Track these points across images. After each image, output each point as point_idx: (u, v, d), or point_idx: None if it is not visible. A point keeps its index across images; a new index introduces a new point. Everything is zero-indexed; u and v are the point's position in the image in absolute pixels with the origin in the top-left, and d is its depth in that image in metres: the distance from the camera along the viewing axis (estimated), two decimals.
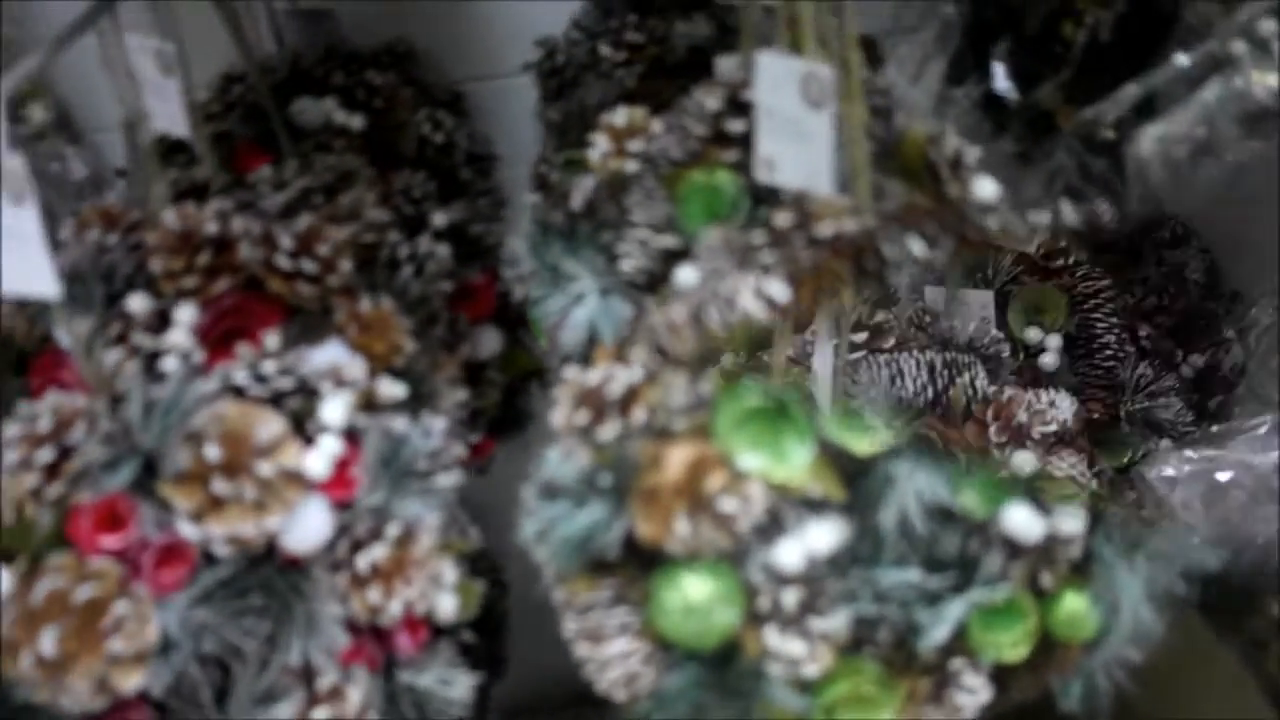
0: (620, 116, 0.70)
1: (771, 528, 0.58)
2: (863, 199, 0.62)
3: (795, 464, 0.57)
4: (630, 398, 0.58)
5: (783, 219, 0.58)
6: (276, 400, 0.67)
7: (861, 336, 0.75)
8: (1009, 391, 0.75)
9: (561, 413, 0.59)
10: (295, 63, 1.02)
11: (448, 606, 0.73)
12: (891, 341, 0.76)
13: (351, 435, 0.69)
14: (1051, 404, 0.74)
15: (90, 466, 0.59)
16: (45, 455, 0.59)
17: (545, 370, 1.03)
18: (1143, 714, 0.64)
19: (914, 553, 0.60)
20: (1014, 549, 0.60)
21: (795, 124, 0.62)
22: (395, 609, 0.69)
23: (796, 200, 0.58)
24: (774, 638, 0.59)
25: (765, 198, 0.63)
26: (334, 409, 0.67)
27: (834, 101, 0.59)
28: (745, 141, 0.62)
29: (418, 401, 0.77)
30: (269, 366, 0.67)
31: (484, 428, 1.04)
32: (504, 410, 1.07)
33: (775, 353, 0.62)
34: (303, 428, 0.67)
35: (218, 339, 0.73)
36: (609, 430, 0.58)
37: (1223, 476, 0.73)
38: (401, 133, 1.02)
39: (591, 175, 0.67)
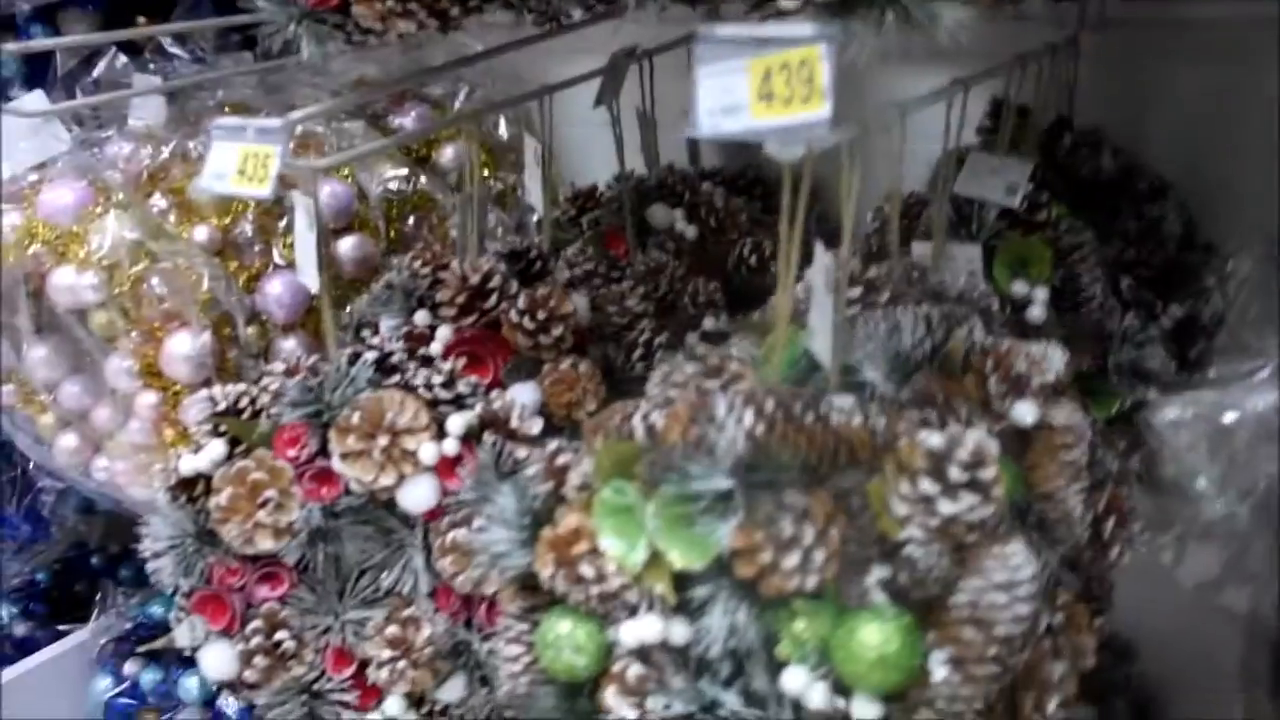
0: None
1: (621, 605, 0.71)
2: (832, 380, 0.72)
3: (636, 559, 0.69)
4: (564, 470, 0.75)
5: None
6: (435, 404, 0.93)
7: (856, 291, 0.77)
8: (1007, 342, 0.75)
9: (531, 469, 0.78)
10: (665, 177, 1.27)
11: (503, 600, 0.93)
12: (885, 296, 0.78)
13: (475, 444, 0.93)
14: (1044, 355, 0.73)
15: (290, 402, 0.91)
16: (274, 385, 0.93)
17: None
18: None
19: (737, 677, 0.69)
20: (805, 710, 0.66)
21: (822, 303, 0.74)
22: (464, 581, 0.92)
23: None
24: (613, 698, 0.72)
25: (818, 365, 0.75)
26: (455, 422, 0.91)
27: (842, 291, 0.70)
28: None
29: None
30: (436, 379, 0.93)
31: None
32: None
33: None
34: (443, 427, 0.93)
35: (459, 357, 1.02)
36: (544, 488, 0.76)
37: (1228, 418, 0.70)
38: (725, 248, 1.23)
39: None
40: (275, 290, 1.19)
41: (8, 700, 1.37)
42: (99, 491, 1.25)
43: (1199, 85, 1.21)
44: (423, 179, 1.33)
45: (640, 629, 0.70)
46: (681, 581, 0.69)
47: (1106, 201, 1.14)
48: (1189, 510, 0.74)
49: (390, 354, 0.95)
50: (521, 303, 1.02)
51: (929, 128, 0.91)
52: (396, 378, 0.94)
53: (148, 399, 1.13)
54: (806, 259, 1.30)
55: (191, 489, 0.92)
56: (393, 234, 1.30)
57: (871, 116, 0.75)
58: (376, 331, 1.07)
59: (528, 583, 0.77)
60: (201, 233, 1.16)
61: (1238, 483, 0.71)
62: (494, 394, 0.97)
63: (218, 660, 0.94)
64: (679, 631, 0.70)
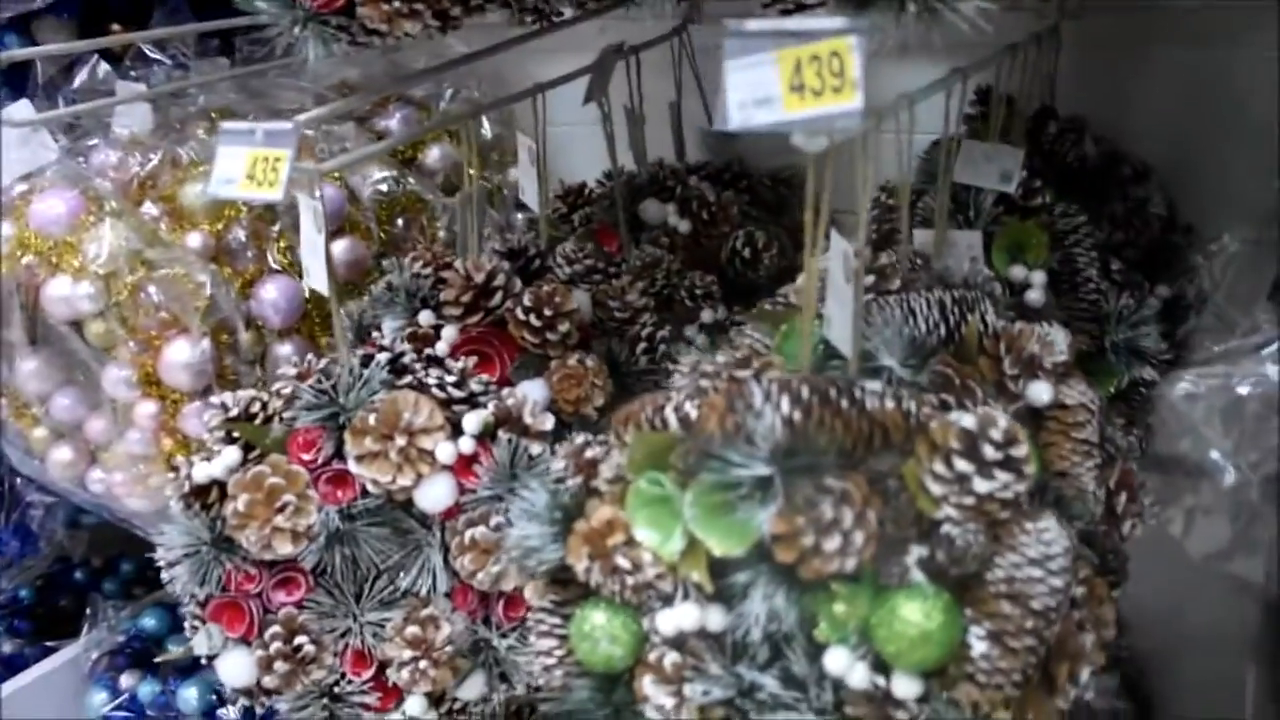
0: None
1: (656, 595, 0.72)
2: (851, 363, 0.73)
3: (672, 549, 0.70)
4: (593, 463, 0.76)
5: None
6: (448, 403, 0.94)
7: (869, 280, 0.79)
8: (1018, 325, 0.77)
9: (558, 462, 0.79)
10: (656, 173, 1.28)
11: (533, 595, 0.94)
12: (897, 283, 0.80)
13: (490, 442, 0.93)
14: (1053, 337, 0.76)
15: (305, 405, 0.91)
16: (286, 390, 0.92)
17: None
18: None
19: (775, 661, 0.70)
20: (846, 690, 0.67)
21: (839, 291, 0.75)
22: (483, 578, 0.93)
23: None
24: (651, 687, 0.73)
25: (835, 352, 0.76)
26: (471, 420, 0.92)
27: (860, 278, 0.71)
28: None
29: None
30: (448, 378, 0.94)
31: None
32: None
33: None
34: (459, 427, 0.93)
35: (466, 356, 1.02)
36: (574, 482, 0.76)
37: (1243, 390, 0.72)
38: (717, 241, 1.24)
39: None
40: (270, 295, 1.19)
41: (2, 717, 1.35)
42: (95, 504, 1.23)
43: (1175, 69, 1.24)
44: (411, 180, 1.32)
45: (678, 617, 0.71)
46: (716, 569, 0.70)
47: (1091, 186, 1.17)
48: (1202, 482, 0.76)
49: (401, 355, 0.94)
50: (527, 300, 1.02)
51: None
52: (408, 379, 0.94)
53: (147, 408, 1.12)
54: (798, 248, 1.32)
55: (205, 496, 0.92)
56: (383, 236, 1.30)
57: (885, 108, 0.77)
58: (379, 333, 1.06)
59: (558, 576, 0.78)
60: (194, 239, 1.15)
61: (1249, 453, 0.73)
62: (505, 391, 0.98)
63: (236, 667, 0.93)
64: (716, 618, 0.71)
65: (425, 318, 1.04)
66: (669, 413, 0.72)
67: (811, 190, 0.68)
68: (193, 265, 1.09)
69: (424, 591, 0.94)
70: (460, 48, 1.47)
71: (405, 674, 0.93)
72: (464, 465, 0.92)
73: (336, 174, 1.24)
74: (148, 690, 1.42)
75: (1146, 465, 0.93)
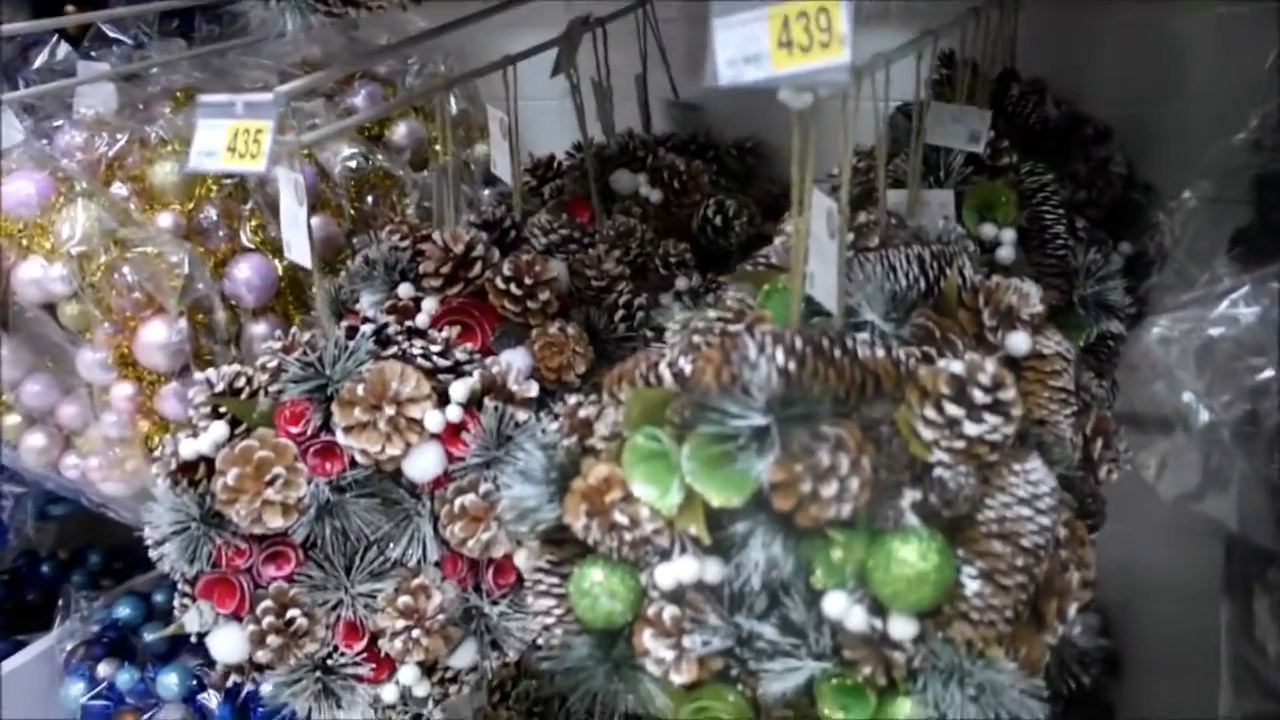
0: None
1: (653, 549, 0.73)
2: (835, 318, 0.75)
3: (670, 502, 0.72)
4: (587, 422, 0.77)
5: None
6: (434, 372, 0.94)
7: (849, 237, 0.80)
8: (995, 278, 0.79)
9: (555, 423, 0.80)
10: (626, 144, 1.29)
11: (523, 560, 0.95)
12: (876, 240, 0.82)
13: (476, 410, 0.94)
14: (1029, 290, 0.78)
15: (291, 378, 0.91)
16: (272, 363, 0.92)
17: None
18: None
19: (772, 610, 0.72)
20: (844, 633, 0.69)
21: (822, 248, 0.76)
22: (473, 546, 0.93)
23: None
24: (650, 640, 0.74)
25: (817, 309, 0.78)
26: (458, 388, 0.92)
27: (844, 236, 0.73)
28: None
29: None
30: (433, 348, 0.94)
31: None
32: None
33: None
34: (447, 396, 0.94)
35: (449, 326, 1.02)
36: (569, 441, 0.77)
37: (1214, 331, 0.76)
38: (688, 210, 1.25)
39: None
40: (244, 274, 1.18)
41: None
42: (69, 489, 1.22)
43: (1131, 31, 1.27)
44: (380, 157, 1.32)
45: (676, 570, 0.72)
46: (713, 521, 0.72)
47: (1054, 147, 1.20)
48: (1173, 429, 0.79)
49: (385, 326, 0.95)
50: (506, 270, 1.03)
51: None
52: (393, 350, 0.94)
53: (123, 390, 1.11)
54: (766, 216, 1.34)
55: (193, 473, 0.92)
56: (353, 212, 1.30)
57: (862, 66, 0.78)
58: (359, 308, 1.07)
59: (554, 536, 0.79)
60: (165, 219, 1.14)
61: (1221, 394, 0.76)
62: (489, 360, 0.98)
63: (228, 643, 0.93)
64: (713, 570, 0.72)
65: (405, 290, 1.04)
66: (663, 369, 0.73)
67: (797, 148, 0.70)
68: (167, 244, 1.08)
69: (414, 561, 0.94)
70: (421, 23, 1.47)
71: (398, 644, 0.93)
72: (451, 434, 0.93)
73: (306, 151, 1.23)
74: (126, 678, 1.42)
75: (1117, 417, 0.97)
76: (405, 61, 1.44)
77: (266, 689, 0.96)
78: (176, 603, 0.95)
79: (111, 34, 1.28)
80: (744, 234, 1.25)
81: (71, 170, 1.11)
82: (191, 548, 0.91)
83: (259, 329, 1.19)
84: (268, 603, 0.92)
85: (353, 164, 1.29)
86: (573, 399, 0.79)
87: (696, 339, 0.76)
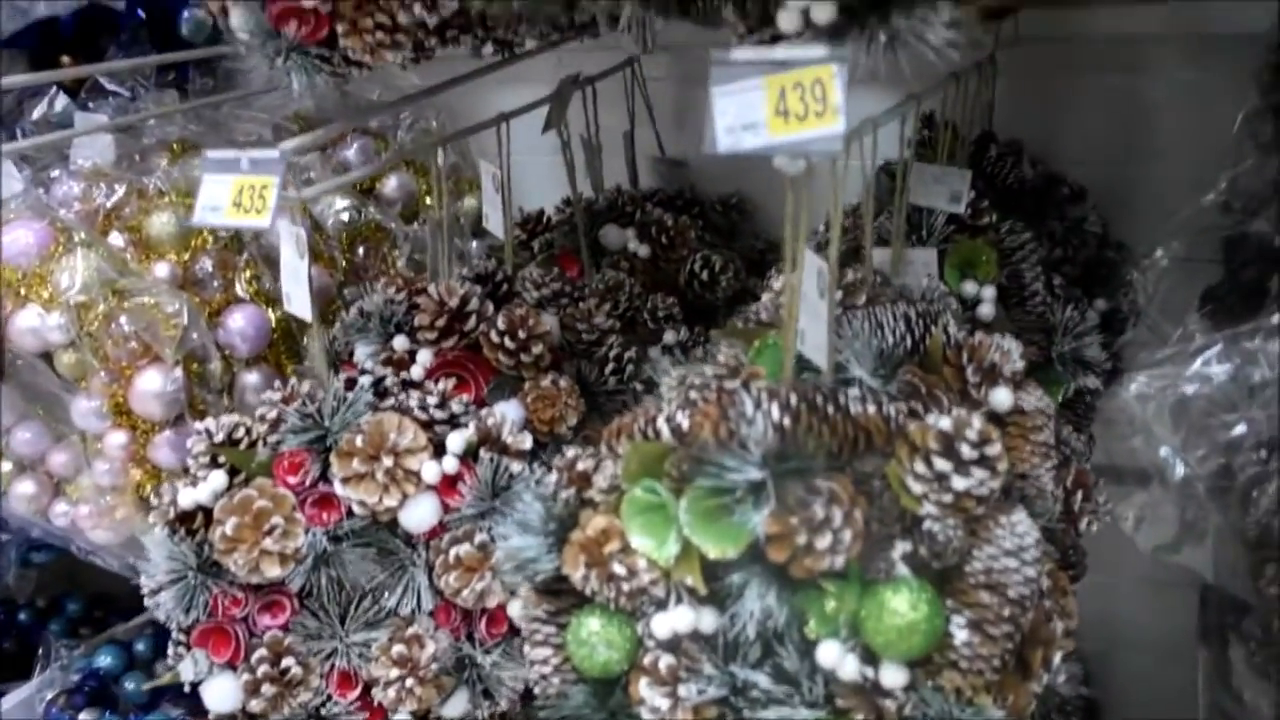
0: None
1: (650, 600, 0.75)
2: (825, 374, 0.78)
3: (667, 554, 0.73)
4: (585, 475, 0.79)
5: None
6: (430, 424, 0.96)
7: (837, 295, 0.82)
8: (979, 335, 0.82)
9: (551, 477, 0.81)
10: (614, 199, 1.32)
11: (517, 610, 0.96)
12: (863, 298, 0.84)
13: (472, 461, 0.95)
14: (1010, 347, 0.81)
15: (290, 429, 0.92)
16: (271, 414, 0.94)
17: None
18: None
19: (766, 659, 0.73)
20: (837, 682, 0.71)
21: (812, 306, 0.79)
22: (467, 595, 0.94)
23: None
24: (646, 689, 0.76)
25: (806, 364, 0.80)
26: (455, 440, 0.94)
27: (833, 294, 0.75)
28: None
29: None
30: (430, 400, 0.96)
31: None
32: None
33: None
34: (443, 447, 0.96)
35: (444, 378, 1.04)
36: (567, 493, 0.79)
37: (1189, 388, 0.78)
38: (675, 265, 1.28)
39: None
40: (238, 324, 1.19)
41: None
42: (59, 537, 1.22)
43: (1104, 95, 1.32)
44: (372, 209, 1.34)
45: (672, 620, 0.74)
46: (709, 572, 0.73)
47: (1030, 206, 1.24)
48: (1152, 477, 0.82)
49: (383, 378, 0.96)
50: (500, 323, 1.05)
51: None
52: (390, 401, 0.96)
53: (117, 439, 1.12)
54: (751, 271, 1.37)
55: (190, 522, 0.93)
56: (345, 264, 1.32)
57: (851, 132, 0.81)
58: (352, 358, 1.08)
59: (551, 587, 0.80)
60: (162, 269, 1.16)
61: (1196, 449, 0.79)
62: (484, 412, 1.00)
63: (222, 692, 0.94)
64: (709, 620, 0.74)
65: (400, 342, 1.06)
66: (661, 423, 0.75)
67: (790, 210, 0.73)
68: (164, 294, 1.10)
69: (408, 611, 0.95)
70: (413, 78, 1.50)
71: (391, 693, 0.94)
72: (448, 485, 0.94)
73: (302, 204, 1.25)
74: None
75: (1096, 470, 0.99)
76: (397, 116, 1.46)
77: None
78: (171, 651, 0.96)
79: (109, 86, 1.30)
80: (730, 288, 1.28)
81: (69, 220, 1.13)
82: (188, 597, 0.92)
83: (252, 379, 1.20)
84: (262, 652, 0.93)
85: (345, 217, 1.31)
86: (571, 452, 0.81)
87: (693, 394, 0.79)
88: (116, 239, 1.16)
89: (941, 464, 0.70)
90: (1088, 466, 0.93)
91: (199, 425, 0.93)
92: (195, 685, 0.95)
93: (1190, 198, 1.11)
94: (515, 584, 0.81)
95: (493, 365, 1.06)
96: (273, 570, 0.91)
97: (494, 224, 1.21)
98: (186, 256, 1.18)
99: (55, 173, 1.21)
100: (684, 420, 0.74)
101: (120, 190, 1.18)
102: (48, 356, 1.13)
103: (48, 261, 1.10)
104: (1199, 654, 0.91)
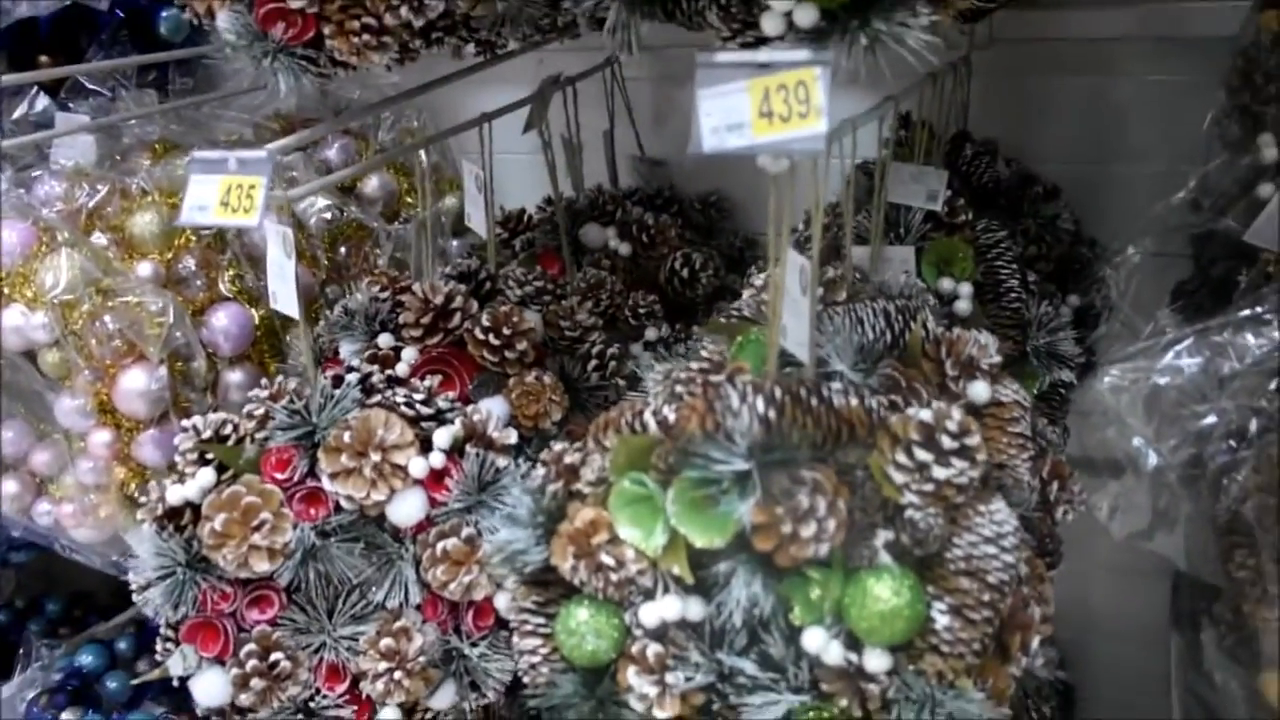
0: None
1: (638, 589, 0.76)
2: (808, 369, 0.79)
3: (655, 544, 0.75)
4: (573, 469, 0.80)
5: None
6: (417, 420, 0.97)
7: (818, 292, 0.83)
8: (956, 330, 0.84)
9: (539, 471, 0.83)
10: (595, 198, 1.33)
11: (503, 602, 0.97)
12: (844, 295, 0.86)
13: (459, 457, 0.97)
14: (987, 341, 0.83)
15: (279, 425, 0.93)
16: (258, 411, 0.95)
17: None
18: None
19: (751, 646, 0.75)
20: (821, 667, 0.72)
21: (796, 304, 0.80)
22: (454, 589, 0.96)
23: None
24: (634, 677, 0.77)
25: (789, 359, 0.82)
26: (441, 436, 0.95)
27: (815, 290, 0.77)
28: None
29: None
30: (416, 396, 0.97)
31: None
32: None
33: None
34: (429, 443, 0.97)
35: (429, 375, 1.05)
36: (555, 486, 0.81)
37: (1161, 380, 0.80)
38: (656, 263, 1.30)
39: None
40: (221, 323, 1.20)
41: None
42: (42, 535, 1.22)
43: (1076, 96, 1.34)
44: (354, 209, 1.35)
45: (660, 609, 0.76)
46: (695, 561, 0.75)
47: (1005, 204, 1.26)
48: (1125, 467, 0.84)
49: (369, 375, 0.97)
50: (485, 321, 1.06)
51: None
52: (377, 398, 0.97)
53: (101, 437, 1.12)
54: (730, 268, 1.38)
55: (179, 518, 0.93)
56: (327, 263, 1.33)
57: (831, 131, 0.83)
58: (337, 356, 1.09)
59: (539, 578, 0.82)
60: (145, 268, 1.16)
61: (1168, 439, 0.81)
62: (470, 408, 1.01)
63: (211, 687, 0.94)
64: (696, 609, 0.76)
65: (385, 340, 1.07)
66: (648, 417, 0.77)
67: (773, 208, 0.74)
68: (148, 293, 1.10)
69: (396, 604, 0.96)
70: (394, 77, 1.51)
71: (379, 686, 0.95)
72: (434, 479, 0.95)
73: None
74: None
75: (1070, 461, 1.02)
76: (379, 115, 1.47)
77: None
78: (160, 646, 0.96)
79: (89, 85, 1.31)
80: (710, 286, 1.29)
81: (53, 220, 1.13)
82: (177, 592, 0.93)
83: (235, 377, 1.21)
84: (251, 646, 0.94)
85: (328, 216, 1.31)
86: (558, 446, 0.82)
87: (679, 389, 0.80)
88: (99, 239, 1.16)
89: (922, 454, 0.72)
90: (1063, 457, 0.95)
91: (186, 422, 0.94)
92: (184, 680, 0.95)
93: (1161, 196, 1.14)
94: (502, 577, 0.82)
95: (477, 362, 1.07)
96: (261, 565, 0.92)
97: (476, 223, 1.22)
98: (169, 255, 1.19)
99: (37, 172, 1.21)
100: (671, 414, 0.76)
101: (102, 190, 1.18)
102: (31, 356, 1.14)
103: (32, 261, 1.10)
104: (1171, 638, 0.94)
